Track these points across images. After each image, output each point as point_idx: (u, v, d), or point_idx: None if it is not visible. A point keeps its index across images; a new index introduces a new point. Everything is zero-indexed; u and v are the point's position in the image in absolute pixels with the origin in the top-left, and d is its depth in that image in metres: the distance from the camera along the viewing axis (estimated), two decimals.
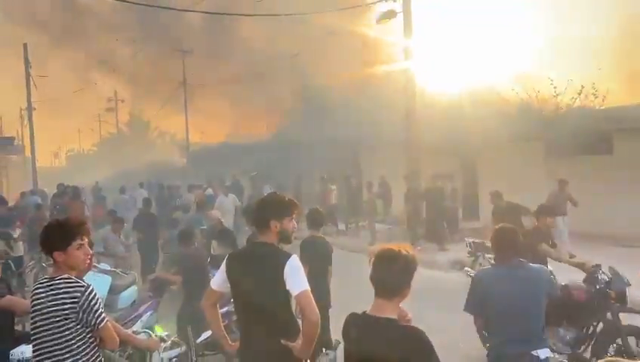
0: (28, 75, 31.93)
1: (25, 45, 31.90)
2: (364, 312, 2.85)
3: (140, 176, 28.81)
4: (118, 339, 3.52)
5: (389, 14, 15.41)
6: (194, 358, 6.65)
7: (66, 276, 3.31)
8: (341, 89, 23.18)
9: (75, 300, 3.21)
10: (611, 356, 4.27)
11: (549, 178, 13.35)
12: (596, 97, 16.23)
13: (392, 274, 2.78)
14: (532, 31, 18.84)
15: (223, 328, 3.79)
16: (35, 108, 33.64)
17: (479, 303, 4.07)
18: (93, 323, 3.27)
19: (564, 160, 14.70)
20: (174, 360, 5.06)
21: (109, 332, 3.39)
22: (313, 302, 3.39)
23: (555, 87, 16.46)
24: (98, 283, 5.81)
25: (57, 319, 3.21)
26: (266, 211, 3.60)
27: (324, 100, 23.26)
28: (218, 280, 3.66)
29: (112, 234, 11.21)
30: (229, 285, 3.61)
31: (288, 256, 3.51)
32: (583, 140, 14.24)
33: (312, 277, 5.76)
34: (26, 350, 4.81)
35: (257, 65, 26.73)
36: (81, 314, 3.22)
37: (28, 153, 37.17)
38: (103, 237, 11.05)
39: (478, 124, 14.81)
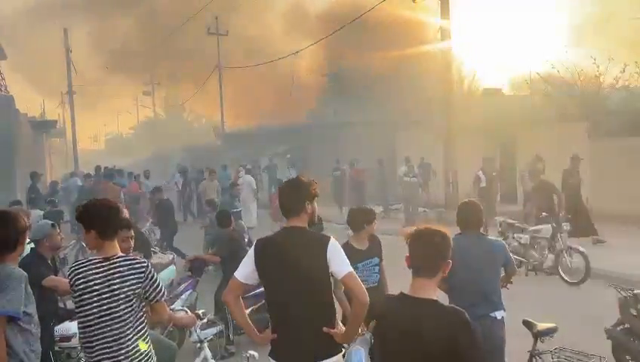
0: (68, 60, 32.60)
1: (65, 31, 32.55)
2: (402, 293, 2.80)
3: (176, 159, 29.24)
4: (168, 313, 3.63)
5: None
6: (231, 336, 6.75)
7: (123, 254, 3.39)
8: (377, 70, 22.92)
9: (141, 279, 3.29)
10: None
11: (592, 159, 12.99)
12: None
13: (430, 251, 2.75)
14: (573, 9, 18.20)
15: (249, 321, 3.63)
16: (75, 93, 34.39)
17: None
18: (153, 298, 3.36)
19: (608, 140, 14.26)
20: (211, 337, 5.12)
21: (163, 306, 3.49)
22: (361, 282, 3.33)
23: (597, 67, 15.95)
24: None
25: (120, 298, 3.25)
26: (301, 194, 3.49)
27: (360, 82, 23.07)
28: (246, 271, 3.49)
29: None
30: (257, 275, 3.48)
31: (328, 237, 3.41)
32: (627, 121, 13.78)
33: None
34: (70, 326, 4.96)
35: (292, 46, 26.62)
36: (144, 291, 3.31)
37: (69, 136, 38.10)
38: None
39: (517, 105, 14.48)
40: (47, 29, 35.05)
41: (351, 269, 3.33)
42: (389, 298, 2.90)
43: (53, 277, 4.83)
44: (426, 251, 2.75)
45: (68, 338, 5.00)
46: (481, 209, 4.63)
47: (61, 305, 5.56)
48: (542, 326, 4.43)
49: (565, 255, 9.32)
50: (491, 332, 4.27)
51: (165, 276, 8.05)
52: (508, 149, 17.32)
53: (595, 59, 15.81)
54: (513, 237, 10.14)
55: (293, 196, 3.51)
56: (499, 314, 4.38)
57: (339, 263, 3.32)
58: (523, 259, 9.92)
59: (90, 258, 3.41)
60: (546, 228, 9.69)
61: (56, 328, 4.97)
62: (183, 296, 6.89)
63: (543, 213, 9.98)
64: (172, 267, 8.43)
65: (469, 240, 4.43)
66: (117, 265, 3.30)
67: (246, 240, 9.53)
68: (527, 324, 4.47)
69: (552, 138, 15.09)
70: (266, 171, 23.77)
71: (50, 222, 5.08)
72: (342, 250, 3.40)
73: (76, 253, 11.64)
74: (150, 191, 14.34)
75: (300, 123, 28.12)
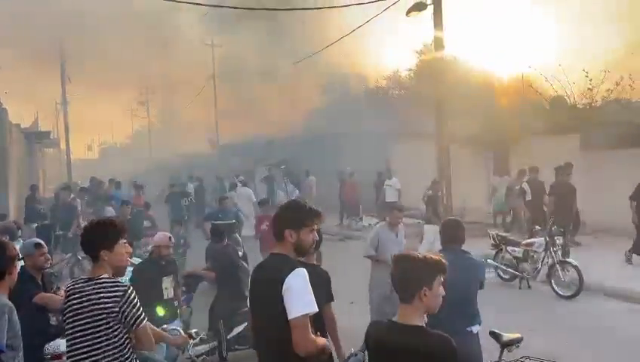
0: (63, 70, 32.56)
1: (59, 40, 32.52)
2: (390, 320, 2.81)
3: (171, 169, 29.20)
4: (154, 340, 3.54)
5: (419, 6, 15.16)
6: (224, 353, 6.71)
7: (106, 276, 3.34)
8: (371, 81, 23.03)
9: (117, 300, 3.23)
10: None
11: (584, 171, 13.03)
12: (633, 89, 15.79)
13: (404, 274, 2.75)
14: (566, 22, 18.35)
15: None
16: (69, 102, 34.31)
17: None
18: (131, 323, 3.29)
19: (601, 153, 14.33)
20: (203, 357, 5.10)
21: (145, 332, 3.38)
22: (306, 333, 2.94)
23: (590, 80, 16.06)
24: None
25: (98, 319, 3.23)
26: (281, 219, 3.22)
27: (353, 93, 23.14)
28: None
29: None
30: None
31: (291, 268, 3.00)
32: (619, 133, 13.87)
33: None
34: (60, 344, 4.91)
35: (288, 57, 26.70)
36: (121, 315, 3.25)
37: (63, 146, 37.94)
38: None
39: (511, 116, 14.55)
40: (42, 37, 34.98)
41: (301, 313, 2.93)
42: (378, 324, 2.90)
43: (43, 294, 4.80)
44: (400, 274, 2.77)
45: (58, 356, 4.95)
46: (463, 226, 4.83)
47: (53, 322, 5.52)
48: (508, 336, 4.55)
49: (558, 268, 9.35)
50: (469, 347, 4.35)
51: None
52: (502, 159, 17.42)
53: (587, 73, 15.93)
54: (506, 250, 10.21)
55: (274, 221, 3.28)
56: (475, 329, 4.52)
57: (290, 302, 2.93)
58: (516, 272, 9.95)
59: (78, 277, 3.50)
60: (539, 242, 9.73)
61: (47, 345, 4.91)
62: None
63: (536, 227, 10.03)
64: None
65: (451, 256, 4.43)
66: (97, 285, 3.29)
67: (241, 253, 9.50)
68: (494, 335, 4.59)
69: (545, 149, 15.16)
70: (264, 182, 23.54)
71: (36, 241, 5.02)
72: (303, 286, 2.97)
73: (71, 267, 11.52)
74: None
75: (296, 134, 28.10)
